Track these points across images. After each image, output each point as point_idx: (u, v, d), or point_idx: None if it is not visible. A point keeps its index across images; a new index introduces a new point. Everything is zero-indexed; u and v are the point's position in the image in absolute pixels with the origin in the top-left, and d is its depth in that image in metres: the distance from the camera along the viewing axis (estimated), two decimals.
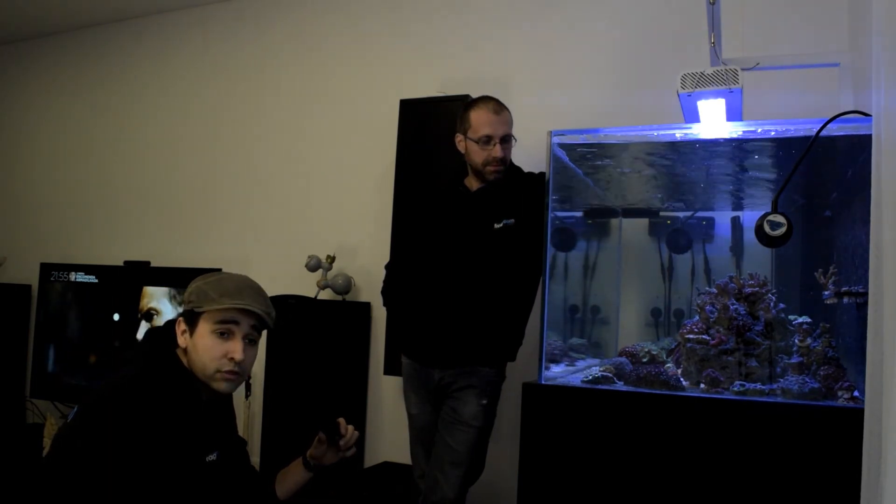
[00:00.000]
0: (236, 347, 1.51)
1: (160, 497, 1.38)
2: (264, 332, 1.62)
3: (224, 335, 1.50)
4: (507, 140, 2.23)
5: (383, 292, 2.45)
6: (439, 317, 2.23)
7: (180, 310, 1.55)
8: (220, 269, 3.30)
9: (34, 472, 1.41)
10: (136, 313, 3.53)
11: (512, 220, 2.19)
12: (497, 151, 2.21)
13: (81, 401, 1.47)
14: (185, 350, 1.53)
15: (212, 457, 1.57)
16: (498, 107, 2.25)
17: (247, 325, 1.53)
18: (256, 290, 1.57)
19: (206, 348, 1.49)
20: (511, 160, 2.34)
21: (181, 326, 1.54)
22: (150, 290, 3.52)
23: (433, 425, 2.27)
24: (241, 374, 1.53)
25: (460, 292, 2.21)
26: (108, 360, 3.59)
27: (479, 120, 2.22)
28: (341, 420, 1.72)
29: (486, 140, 2.21)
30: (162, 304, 3.48)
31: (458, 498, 2.18)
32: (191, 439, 1.48)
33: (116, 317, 3.58)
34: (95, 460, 1.34)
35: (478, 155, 2.24)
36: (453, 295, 2.22)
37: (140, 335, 3.50)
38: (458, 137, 2.29)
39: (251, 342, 1.55)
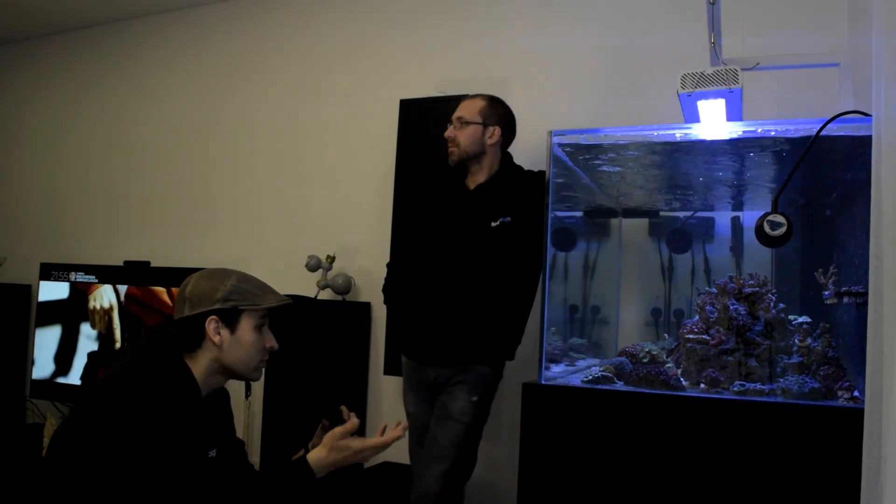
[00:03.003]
0: (272, 338, 1.63)
1: (165, 491, 1.38)
2: None
3: (260, 329, 1.60)
4: (460, 122, 2.27)
5: (384, 290, 2.45)
6: (435, 315, 2.23)
7: (204, 308, 1.54)
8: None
9: (35, 469, 1.41)
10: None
11: (508, 218, 2.19)
12: (448, 131, 2.29)
13: (80, 397, 1.47)
14: (217, 346, 1.55)
15: (212, 453, 1.59)
16: (468, 96, 2.35)
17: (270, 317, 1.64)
18: None
19: (251, 342, 1.58)
20: (510, 158, 2.34)
21: (213, 324, 1.54)
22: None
23: (429, 424, 2.27)
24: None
25: (456, 290, 2.21)
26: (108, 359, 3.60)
27: None
28: (343, 408, 1.75)
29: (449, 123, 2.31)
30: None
31: (443, 493, 2.14)
32: (193, 434, 1.49)
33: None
34: (97, 456, 1.34)
35: None
36: (449, 292, 2.21)
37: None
38: None
39: None
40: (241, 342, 1.56)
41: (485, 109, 2.29)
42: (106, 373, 1.54)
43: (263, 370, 1.66)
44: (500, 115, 2.31)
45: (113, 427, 1.35)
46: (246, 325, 1.57)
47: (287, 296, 1.71)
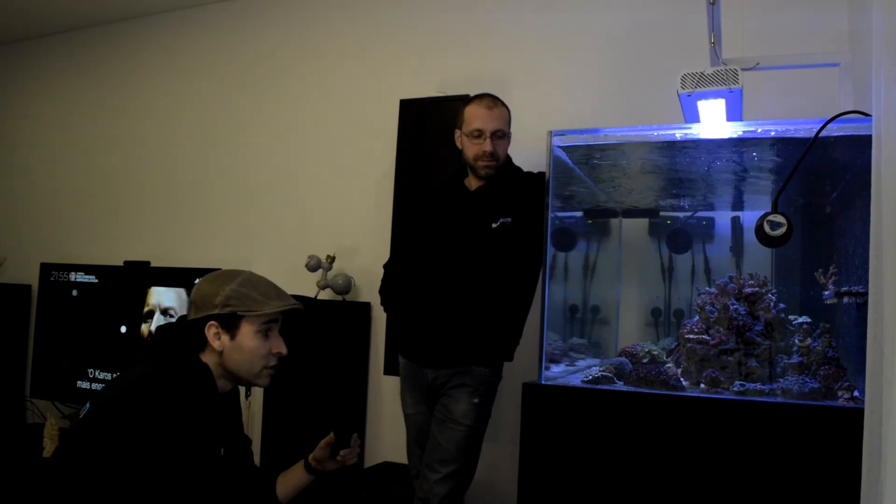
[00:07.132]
0: (280, 343, 1.60)
1: (174, 491, 1.38)
2: None
3: (266, 333, 1.56)
4: (499, 136, 2.24)
5: (381, 292, 2.44)
6: (435, 316, 2.23)
7: (206, 312, 1.52)
8: (219, 269, 3.31)
9: (45, 467, 1.42)
10: (137, 314, 3.53)
11: (509, 219, 2.19)
12: (487, 146, 2.22)
13: (95, 396, 1.47)
14: (219, 352, 1.53)
15: (221, 451, 1.59)
16: (492, 102, 2.27)
17: (281, 322, 1.61)
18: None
19: (252, 349, 1.54)
20: (510, 159, 2.34)
21: (213, 329, 1.53)
22: (156, 289, 3.52)
23: (428, 425, 2.26)
24: (278, 366, 1.61)
25: (456, 291, 2.21)
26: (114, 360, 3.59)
27: (472, 114, 2.26)
28: (355, 435, 1.74)
29: (478, 134, 2.23)
30: (172, 301, 3.46)
31: (448, 496, 2.14)
32: (205, 434, 1.49)
33: (124, 329, 3.56)
34: (111, 456, 1.34)
35: (469, 149, 2.26)
36: (449, 294, 2.21)
37: (151, 329, 3.50)
38: (456, 134, 2.32)
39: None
40: (241, 348, 1.53)
41: (509, 118, 2.31)
42: (126, 372, 1.54)
43: (270, 375, 1.60)
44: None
45: (129, 426, 1.35)
46: (246, 331, 1.53)
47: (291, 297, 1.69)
